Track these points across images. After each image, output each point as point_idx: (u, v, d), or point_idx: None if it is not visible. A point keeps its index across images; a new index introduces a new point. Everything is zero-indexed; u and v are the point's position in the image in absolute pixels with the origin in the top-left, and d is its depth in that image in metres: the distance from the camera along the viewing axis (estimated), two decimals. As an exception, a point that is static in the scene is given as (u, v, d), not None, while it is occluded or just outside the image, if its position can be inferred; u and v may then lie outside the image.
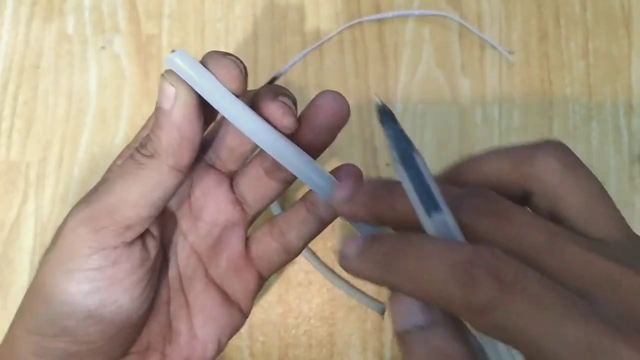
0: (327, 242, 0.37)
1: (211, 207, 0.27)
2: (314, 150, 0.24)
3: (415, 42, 0.38)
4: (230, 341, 0.36)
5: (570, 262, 0.17)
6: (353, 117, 0.37)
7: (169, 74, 0.22)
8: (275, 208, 0.35)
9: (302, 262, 0.36)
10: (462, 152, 0.38)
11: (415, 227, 0.18)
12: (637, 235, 0.19)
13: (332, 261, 0.36)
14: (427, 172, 0.19)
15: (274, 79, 0.38)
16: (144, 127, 0.26)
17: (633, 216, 0.37)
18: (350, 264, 0.18)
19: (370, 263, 0.18)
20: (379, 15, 0.38)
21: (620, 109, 0.38)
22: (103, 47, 0.38)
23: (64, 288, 0.22)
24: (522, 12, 0.39)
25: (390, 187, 0.20)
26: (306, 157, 0.23)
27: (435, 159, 0.38)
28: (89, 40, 0.38)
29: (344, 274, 0.36)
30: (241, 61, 0.22)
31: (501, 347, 0.17)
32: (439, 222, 0.18)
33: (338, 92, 0.24)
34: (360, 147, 0.37)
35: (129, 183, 0.22)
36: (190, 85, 0.22)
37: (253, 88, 0.39)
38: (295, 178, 0.25)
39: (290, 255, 0.27)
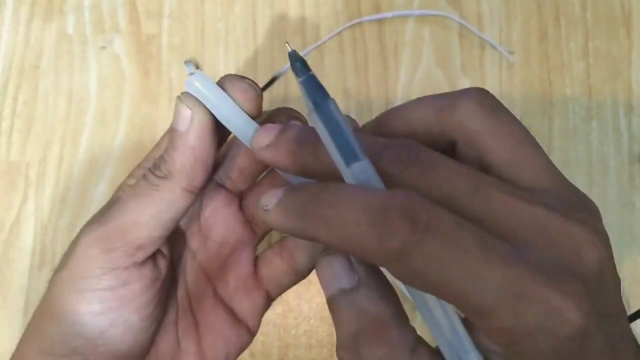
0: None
1: (220, 226, 0.27)
2: None
3: (415, 42, 0.38)
4: (230, 341, 0.36)
5: (496, 209, 0.17)
6: (353, 117, 0.37)
7: (186, 96, 0.22)
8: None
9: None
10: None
11: (340, 179, 0.18)
12: (566, 181, 0.19)
13: (332, 261, 0.36)
14: (344, 121, 0.18)
15: (274, 79, 0.38)
16: (156, 146, 0.26)
17: (633, 216, 0.37)
18: (269, 215, 0.18)
19: (288, 213, 0.17)
20: (379, 15, 0.38)
21: (620, 109, 0.38)
22: (103, 47, 0.38)
23: (75, 308, 0.22)
24: (522, 12, 0.39)
25: (315, 135, 0.19)
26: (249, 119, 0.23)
27: (435, 159, 0.38)
28: (89, 40, 0.38)
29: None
30: (257, 84, 0.23)
31: (427, 296, 0.16)
32: (359, 172, 0.17)
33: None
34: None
35: (142, 204, 0.22)
36: (206, 108, 0.22)
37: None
38: None
39: (298, 277, 0.27)
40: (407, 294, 0.18)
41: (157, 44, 0.38)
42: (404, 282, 0.16)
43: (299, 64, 0.19)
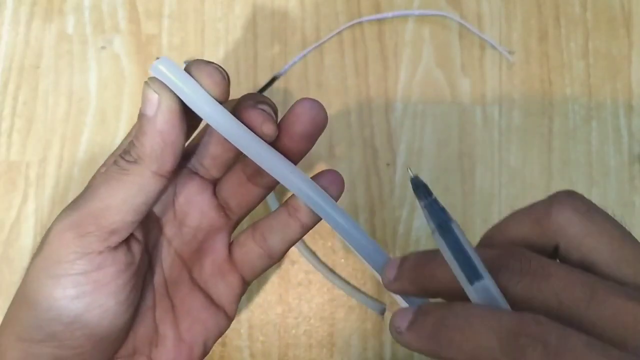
0: (327, 242, 0.37)
1: (195, 213, 0.27)
2: (293, 157, 0.24)
3: (415, 42, 0.38)
4: (230, 341, 0.36)
5: (614, 315, 0.17)
6: (353, 117, 0.37)
7: (152, 81, 0.22)
8: (272, 203, 0.35)
9: (302, 262, 0.36)
10: (462, 152, 0.38)
11: (460, 295, 0.19)
12: None
13: (332, 261, 0.36)
14: (465, 241, 0.19)
15: (274, 78, 0.38)
16: (128, 135, 0.26)
17: (633, 216, 0.37)
18: (403, 337, 0.19)
19: (420, 336, 0.18)
20: (379, 15, 0.38)
21: (620, 109, 0.38)
22: (103, 47, 0.38)
23: (50, 293, 0.22)
24: (522, 12, 0.39)
25: (430, 257, 0.20)
26: (285, 161, 0.24)
27: (435, 158, 0.38)
28: (89, 40, 0.38)
29: (344, 274, 0.36)
30: (224, 69, 0.23)
31: None
32: (482, 290, 0.18)
33: (316, 100, 0.24)
34: (360, 147, 0.37)
35: (113, 188, 0.22)
36: (173, 92, 0.22)
37: (253, 88, 0.39)
38: (277, 183, 0.26)
39: (272, 260, 0.27)
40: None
41: (157, 44, 0.38)
42: None
43: (422, 188, 0.20)
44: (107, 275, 0.23)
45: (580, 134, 0.38)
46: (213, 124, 0.23)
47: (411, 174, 0.21)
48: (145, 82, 0.22)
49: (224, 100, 0.23)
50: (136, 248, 0.24)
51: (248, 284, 0.28)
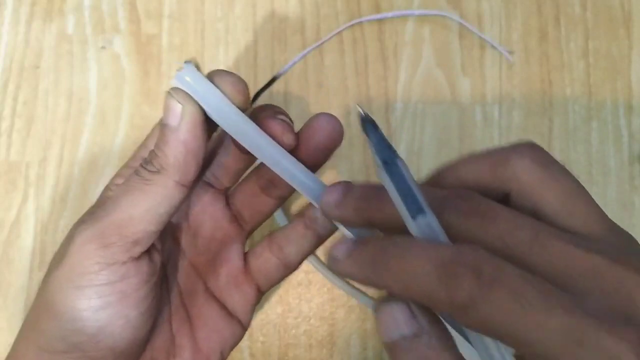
0: (327, 243, 0.37)
1: (209, 223, 0.27)
2: (309, 169, 0.25)
3: (415, 42, 0.38)
4: (230, 341, 0.36)
5: (555, 258, 0.17)
6: (353, 117, 0.37)
7: (176, 91, 0.22)
8: (280, 218, 0.35)
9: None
10: (462, 152, 0.38)
11: (403, 230, 0.19)
12: (618, 227, 0.20)
13: (332, 261, 0.37)
14: (410, 177, 0.19)
15: (274, 79, 0.38)
16: (142, 146, 0.26)
17: (633, 216, 0.37)
18: (339, 265, 0.19)
19: (357, 264, 0.19)
20: (379, 15, 0.38)
21: (620, 109, 0.38)
22: (103, 47, 0.38)
23: (74, 304, 0.22)
24: (522, 12, 0.39)
25: (379, 191, 0.20)
26: (309, 173, 0.24)
27: (435, 158, 0.38)
28: (89, 40, 0.38)
29: (344, 274, 0.36)
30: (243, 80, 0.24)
31: (489, 341, 0.17)
32: (424, 225, 0.18)
33: (333, 115, 0.25)
34: (360, 147, 0.37)
35: (136, 199, 0.22)
36: (197, 103, 0.22)
37: (253, 88, 0.39)
38: (290, 194, 0.26)
39: (288, 270, 0.28)
40: (465, 331, 0.19)
41: (157, 44, 0.38)
42: (469, 329, 0.17)
43: (370, 125, 0.20)
44: (130, 286, 0.23)
45: (580, 134, 0.38)
46: (235, 134, 0.23)
47: (360, 111, 0.21)
48: (168, 92, 0.22)
49: (244, 109, 0.23)
50: (157, 258, 0.24)
51: (263, 294, 0.28)
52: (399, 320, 0.18)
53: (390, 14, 0.38)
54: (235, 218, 0.28)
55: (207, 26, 0.38)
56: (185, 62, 0.23)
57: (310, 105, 0.38)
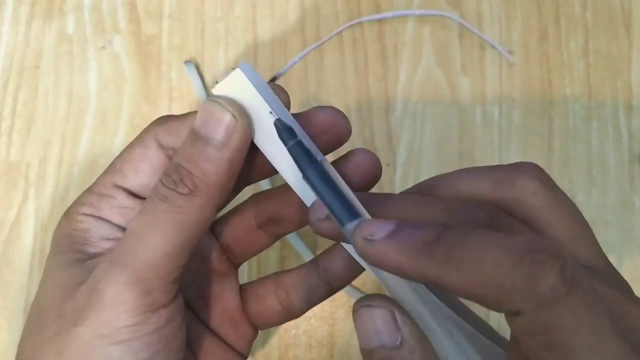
0: (327, 242, 0.37)
1: (194, 255, 0.24)
2: None
3: (415, 42, 0.38)
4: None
5: None
6: (353, 117, 0.37)
7: (230, 102, 0.19)
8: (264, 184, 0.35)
9: (302, 262, 0.36)
10: (462, 152, 0.38)
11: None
12: (610, 263, 0.20)
13: (332, 261, 0.36)
14: (339, 179, 0.18)
15: (273, 79, 0.38)
16: (114, 171, 0.23)
17: (633, 216, 0.37)
18: (373, 248, 0.16)
19: (402, 248, 0.16)
20: (379, 15, 0.38)
21: (620, 109, 0.38)
22: (103, 47, 0.38)
23: None
24: (522, 12, 0.39)
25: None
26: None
27: (435, 158, 0.38)
28: (89, 40, 0.38)
29: (344, 274, 0.36)
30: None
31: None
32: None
33: (373, 153, 0.23)
34: (361, 147, 0.37)
35: (169, 233, 0.19)
36: (249, 116, 0.20)
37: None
38: (292, 232, 0.24)
39: (290, 318, 0.26)
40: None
41: (157, 44, 0.38)
42: (523, 331, 0.15)
43: (286, 131, 0.19)
44: (175, 328, 0.21)
45: (580, 134, 0.38)
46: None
47: (275, 117, 0.19)
48: (219, 103, 0.19)
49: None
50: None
51: (259, 330, 0.27)
52: (380, 327, 0.17)
53: (390, 14, 0.38)
54: (224, 251, 0.25)
55: (207, 26, 0.38)
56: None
57: (310, 105, 0.38)
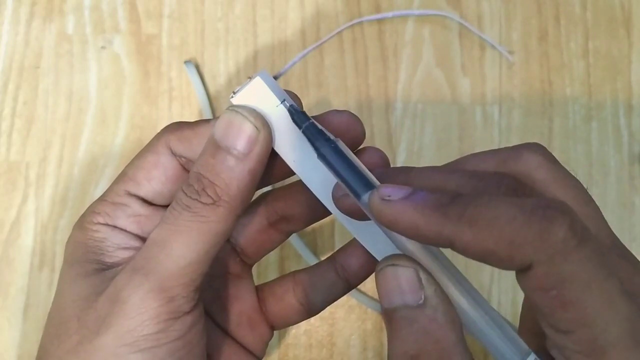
0: (328, 242, 0.37)
1: None
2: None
3: (415, 42, 0.38)
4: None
5: None
6: (353, 117, 0.37)
7: (253, 114, 0.20)
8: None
9: (302, 262, 0.36)
10: (462, 152, 0.38)
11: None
12: (618, 239, 0.20)
13: (332, 261, 0.36)
14: (354, 158, 0.19)
15: (274, 78, 0.38)
16: (125, 179, 0.22)
17: (633, 216, 0.37)
18: (392, 206, 0.16)
19: (420, 207, 0.16)
20: (379, 15, 0.38)
21: (620, 109, 0.38)
22: (103, 47, 0.38)
23: None
24: (522, 12, 0.39)
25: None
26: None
27: (435, 158, 0.38)
28: (89, 40, 0.38)
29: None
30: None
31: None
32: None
33: (382, 151, 0.23)
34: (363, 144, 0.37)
35: (192, 241, 0.20)
36: (270, 128, 0.20)
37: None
38: (303, 228, 0.25)
39: (309, 315, 0.26)
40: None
41: (157, 44, 0.38)
42: (533, 285, 0.15)
43: (300, 114, 0.20)
44: (198, 334, 0.21)
45: (580, 134, 0.38)
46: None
47: (287, 105, 0.20)
48: (241, 114, 0.20)
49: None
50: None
51: (277, 329, 0.27)
52: (404, 286, 0.17)
53: (390, 14, 0.38)
54: (236, 252, 0.25)
55: (207, 26, 0.38)
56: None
57: (310, 105, 0.38)
